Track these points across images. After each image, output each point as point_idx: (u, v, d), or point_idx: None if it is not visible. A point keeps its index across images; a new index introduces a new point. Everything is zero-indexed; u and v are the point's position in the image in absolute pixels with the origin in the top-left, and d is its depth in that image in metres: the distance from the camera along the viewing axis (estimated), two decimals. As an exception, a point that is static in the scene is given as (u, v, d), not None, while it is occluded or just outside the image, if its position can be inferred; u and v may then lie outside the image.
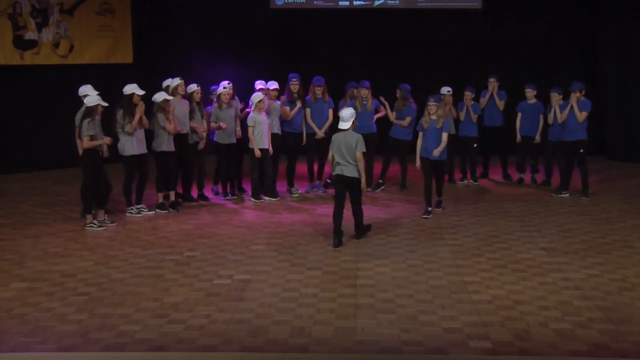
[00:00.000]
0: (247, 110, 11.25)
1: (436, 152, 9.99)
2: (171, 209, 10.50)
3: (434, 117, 10.00)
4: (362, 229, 9.08)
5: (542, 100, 12.13)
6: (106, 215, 9.74)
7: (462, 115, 12.34)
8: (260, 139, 10.92)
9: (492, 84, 12.52)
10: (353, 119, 8.78)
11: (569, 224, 9.79)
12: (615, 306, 6.68)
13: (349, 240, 8.97)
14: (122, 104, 9.97)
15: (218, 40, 15.20)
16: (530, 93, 12.28)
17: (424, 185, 10.21)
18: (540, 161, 12.42)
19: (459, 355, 5.70)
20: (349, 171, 8.74)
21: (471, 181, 12.62)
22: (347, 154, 8.69)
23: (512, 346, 5.84)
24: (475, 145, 12.46)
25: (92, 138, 9.33)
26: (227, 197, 11.34)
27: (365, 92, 11.53)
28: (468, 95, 12.37)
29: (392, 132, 11.94)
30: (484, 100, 12.55)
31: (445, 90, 12.31)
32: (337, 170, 8.82)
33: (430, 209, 10.18)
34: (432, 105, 10.04)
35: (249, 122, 10.88)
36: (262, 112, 10.94)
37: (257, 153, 10.89)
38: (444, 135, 9.98)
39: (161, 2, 15.45)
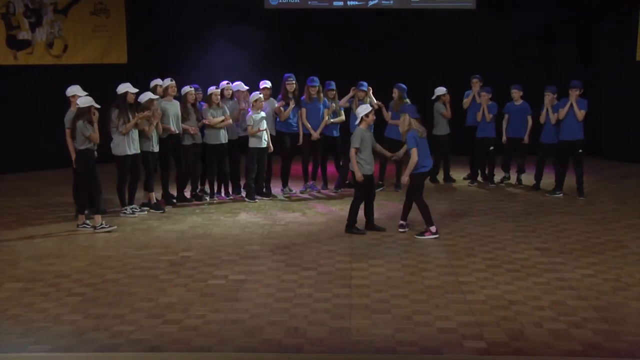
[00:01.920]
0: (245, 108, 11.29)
1: (404, 179, 9.33)
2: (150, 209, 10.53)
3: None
4: (348, 225, 9.35)
5: (536, 100, 12.13)
6: (103, 221, 9.53)
7: (479, 116, 12.28)
8: (257, 139, 10.97)
9: (476, 84, 12.50)
10: (362, 115, 9.26)
11: (563, 224, 9.81)
12: (609, 306, 6.70)
13: (343, 241, 8.98)
14: (116, 104, 9.95)
15: (212, 40, 15.18)
16: (516, 94, 12.24)
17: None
18: (527, 162, 12.41)
19: (453, 355, 5.70)
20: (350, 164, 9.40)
21: (489, 183, 12.47)
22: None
23: (507, 346, 5.84)
24: (492, 147, 12.31)
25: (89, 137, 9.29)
26: (219, 197, 11.36)
27: (362, 95, 11.55)
28: (484, 95, 12.26)
29: (387, 132, 11.95)
30: (467, 101, 12.54)
31: (444, 90, 12.34)
32: None
33: (403, 222, 9.44)
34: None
35: (248, 121, 10.92)
36: (261, 112, 10.98)
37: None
38: (413, 153, 9.07)
39: (155, 2, 15.44)
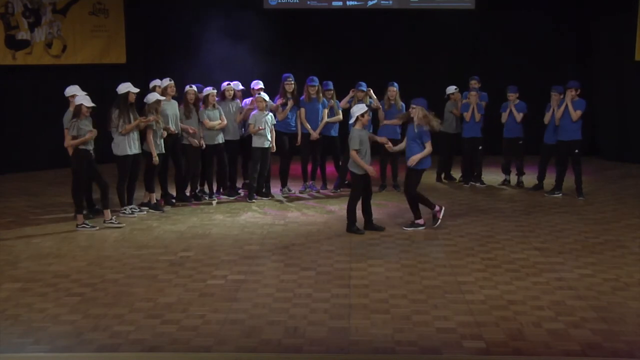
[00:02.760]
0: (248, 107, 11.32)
1: (415, 159, 9.33)
2: (150, 209, 10.53)
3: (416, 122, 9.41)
4: (348, 225, 9.36)
5: (536, 100, 12.11)
6: (113, 217, 9.61)
7: (467, 116, 12.26)
8: (260, 138, 10.98)
9: (475, 85, 12.50)
10: (357, 114, 9.23)
11: (562, 224, 9.82)
12: (608, 306, 6.70)
13: (342, 241, 8.98)
14: (117, 104, 9.95)
15: (211, 40, 15.19)
16: (512, 97, 12.22)
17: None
18: (526, 162, 12.39)
19: (452, 355, 5.70)
20: (349, 164, 9.43)
21: (479, 183, 12.47)
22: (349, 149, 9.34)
23: (506, 346, 5.84)
24: (480, 147, 12.29)
25: (76, 137, 9.29)
26: (218, 197, 11.37)
27: (361, 95, 11.54)
28: (474, 95, 12.24)
29: (380, 132, 11.91)
30: (465, 102, 12.54)
31: (453, 89, 12.46)
32: None
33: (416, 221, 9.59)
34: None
35: (250, 120, 10.95)
36: (266, 111, 11.01)
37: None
38: (428, 145, 9.35)
39: (154, 2, 15.43)
